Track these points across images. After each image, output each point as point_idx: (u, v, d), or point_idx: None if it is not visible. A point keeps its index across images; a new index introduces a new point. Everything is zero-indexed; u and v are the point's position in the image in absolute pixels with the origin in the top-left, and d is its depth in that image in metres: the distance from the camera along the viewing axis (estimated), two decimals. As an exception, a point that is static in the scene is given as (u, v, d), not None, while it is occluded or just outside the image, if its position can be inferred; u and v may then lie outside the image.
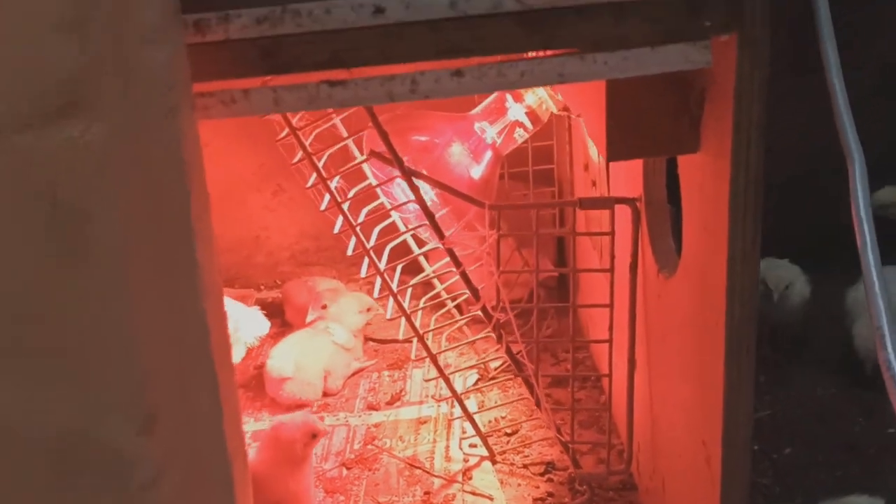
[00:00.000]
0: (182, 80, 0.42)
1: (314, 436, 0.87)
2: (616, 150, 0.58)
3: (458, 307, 1.07)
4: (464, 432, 1.05)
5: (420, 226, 0.91)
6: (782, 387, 1.25)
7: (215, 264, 0.46)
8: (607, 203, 0.78)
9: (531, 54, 0.48)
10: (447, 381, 0.97)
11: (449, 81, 0.48)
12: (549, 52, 0.47)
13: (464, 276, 0.87)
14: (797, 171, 1.21)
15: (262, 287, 1.50)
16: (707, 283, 0.60)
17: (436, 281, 1.12)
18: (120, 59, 0.39)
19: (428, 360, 0.97)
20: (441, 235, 0.87)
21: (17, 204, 0.38)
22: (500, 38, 0.47)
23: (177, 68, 0.41)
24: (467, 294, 0.92)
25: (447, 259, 0.91)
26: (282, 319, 1.37)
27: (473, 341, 1.12)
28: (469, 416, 0.99)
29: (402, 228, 1.06)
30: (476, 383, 1.13)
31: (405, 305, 0.95)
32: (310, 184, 0.95)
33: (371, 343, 1.29)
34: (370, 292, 1.10)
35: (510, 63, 0.47)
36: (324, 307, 1.20)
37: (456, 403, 1.01)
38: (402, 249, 1.04)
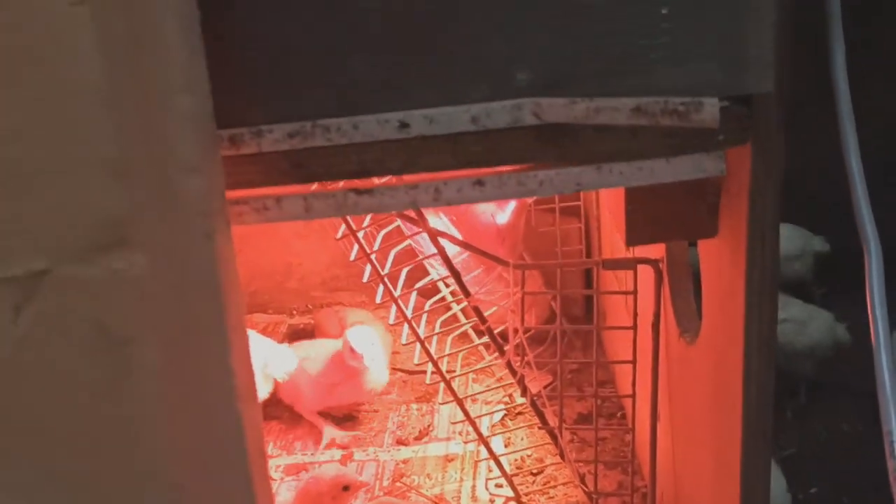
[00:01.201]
0: (219, 205, 0.44)
1: (346, 488, 0.89)
2: (635, 235, 0.60)
3: (474, 328, 1.10)
4: (490, 471, 1.07)
5: (445, 278, 0.93)
6: (809, 423, 1.25)
7: (250, 367, 0.49)
8: (629, 264, 0.79)
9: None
10: (473, 424, 1.00)
11: (471, 190, 0.50)
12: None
13: (489, 332, 0.89)
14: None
15: (295, 312, 1.53)
16: (724, 365, 0.61)
17: (452, 304, 1.14)
18: (161, 191, 0.42)
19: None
20: (466, 293, 0.89)
21: (67, 329, 0.41)
22: (519, 150, 0.48)
23: (214, 195, 0.44)
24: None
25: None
26: (312, 346, 1.41)
27: (489, 366, 1.15)
28: (495, 458, 1.02)
29: (429, 269, 1.08)
30: (502, 420, 1.16)
31: (421, 331, 0.98)
32: (339, 235, 0.97)
33: (399, 374, 1.32)
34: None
35: (529, 173, 0.49)
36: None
37: (481, 443, 1.03)
38: (420, 272, 1.07)
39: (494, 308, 1.09)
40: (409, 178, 0.50)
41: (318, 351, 1.19)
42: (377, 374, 1.13)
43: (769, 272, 0.53)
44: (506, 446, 1.11)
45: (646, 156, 0.49)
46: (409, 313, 0.97)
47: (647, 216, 0.59)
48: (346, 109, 0.48)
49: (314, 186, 0.51)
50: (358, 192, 0.50)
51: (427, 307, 1.02)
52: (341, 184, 0.50)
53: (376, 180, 0.50)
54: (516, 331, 0.83)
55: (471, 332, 1.16)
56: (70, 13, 0.37)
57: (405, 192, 0.50)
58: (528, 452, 1.10)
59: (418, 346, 1.00)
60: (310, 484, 0.91)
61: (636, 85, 0.47)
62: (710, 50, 0.47)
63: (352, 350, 1.09)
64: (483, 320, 0.90)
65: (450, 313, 1.15)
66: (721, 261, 0.60)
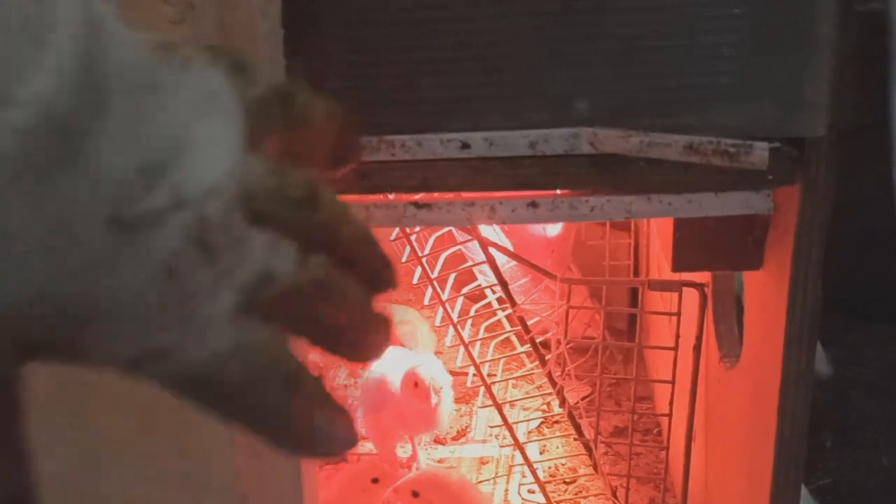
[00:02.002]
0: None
1: (375, 480, 0.92)
2: (681, 262, 0.62)
3: (516, 336, 1.11)
4: (523, 476, 1.09)
5: (492, 285, 0.95)
6: (848, 454, 1.24)
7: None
8: (675, 287, 0.81)
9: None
10: (511, 430, 1.02)
11: (524, 211, 0.52)
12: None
13: (532, 343, 0.92)
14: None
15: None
16: (761, 393, 0.63)
17: (498, 310, 1.16)
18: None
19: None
20: (513, 302, 0.91)
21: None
22: (573, 176, 0.51)
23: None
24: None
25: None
26: (359, 341, 1.44)
27: (529, 374, 1.16)
28: (529, 465, 1.04)
29: (477, 275, 1.11)
30: (539, 427, 1.18)
31: (465, 335, 1.00)
32: (393, 237, 1.01)
33: (442, 374, 1.35)
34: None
35: (581, 198, 0.52)
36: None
37: (517, 449, 1.05)
38: (467, 277, 1.09)
39: (537, 318, 1.11)
40: (466, 195, 0.53)
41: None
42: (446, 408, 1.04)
43: (810, 309, 0.54)
44: (541, 453, 1.13)
45: (695, 189, 0.50)
46: (455, 317, 1.00)
47: (694, 244, 0.61)
48: (411, 127, 0.51)
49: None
50: (417, 205, 0.52)
51: (473, 312, 1.05)
52: (392, 195, 0.53)
53: (435, 195, 0.53)
54: (559, 342, 0.85)
55: (513, 338, 1.19)
56: (170, 31, 0.41)
57: (462, 209, 0.52)
58: (563, 461, 1.12)
59: (461, 349, 1.03)
60: (342, 474, 0.94)
61: (691, 121, 0.49)
62: (767, 91, 0.49)
63: (416, 385, 0.98)
64: (527, 330, 0.92)
65: (494, 319, 1.17)
66: (764, 292, 0.61)
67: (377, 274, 0.32)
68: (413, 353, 1.17)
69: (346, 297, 0.31)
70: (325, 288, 0.30)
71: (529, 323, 0.99)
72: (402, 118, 0.51)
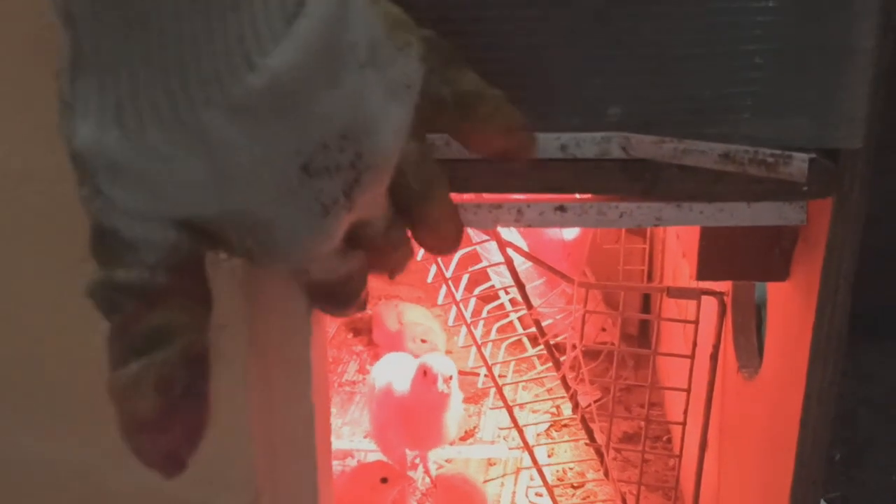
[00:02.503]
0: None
1: (384, 480, 0.91)
2: (706, 271, 0.61)
3: (528, 338, 1.11)
4: (531, 479, 1.09)
5: (507, 287, 0.95)
6: (858, 468, 1.24)
7: (325, 362, 0.51)
8: (694, 294, 0.80)
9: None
10: (521, 432, 1.01)
11: (552, 215, 0.51)
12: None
13: (547, 346, 0.91)
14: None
15: (353, 301, 1.57)
16: (781, 408, 0.62)
17: (511, 312, 1.15)
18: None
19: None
20: (529, 305, 0.91)
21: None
22: (604, 181, 0.50)
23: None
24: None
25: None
26: (368, 338, 1.44)
27: (539, 377, 1.15)
28: (538, 468, 1.03)
29: (492, 276, 1.10)
30: (548, 430, 1.17)
31: (478, 335, 0.99)
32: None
33: (451, 373, 1.34)
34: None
35: (611, 203, 0.51)
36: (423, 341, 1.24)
37: (525, 451, 1.05)
38: (481, 277, 1.08)
39: (551, 320, 1.11)
40: (493, 196, 0.52)
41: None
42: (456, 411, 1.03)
43: (838, 325, 0.54)
44: (549, 457, 1.13)
45: (727, 198, 0.50)
46: (468, 317, 0.99)
47: (720, 254, 0.60)
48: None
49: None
50: (443, 205, 0.52)
51: (485, 313, 1.04)
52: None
53: (462, 196, 0.52)
54: (573, 346, 0.84)
55: (525, 340, 1.18)
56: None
57: (489, 211, 0.52)
58: (571, 465, 1.11)
59: (473, 349, 1.02)
60: (350, 473, 0.94)
61: (725, 131, 0.48)
62: (802, 102, 0.48)
63: (425, 373, 0.96)
64: (542, 333, 0.92)
65: (507, 320, 1.17)
66: (790, 305, 0.60)
67: (437, 251, 0.44)
68: (421, 353, 1.17)
69: (399, 249, 0.42)
70: (393, 249, 0.42)
71: (545, 324, 0.99)
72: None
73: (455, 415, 1.03)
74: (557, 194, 0.51)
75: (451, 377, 0.98)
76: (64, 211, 0.39)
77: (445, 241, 0.43)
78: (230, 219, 0.35)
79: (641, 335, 1.32)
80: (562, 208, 0.51)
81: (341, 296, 0.42)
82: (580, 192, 0.51)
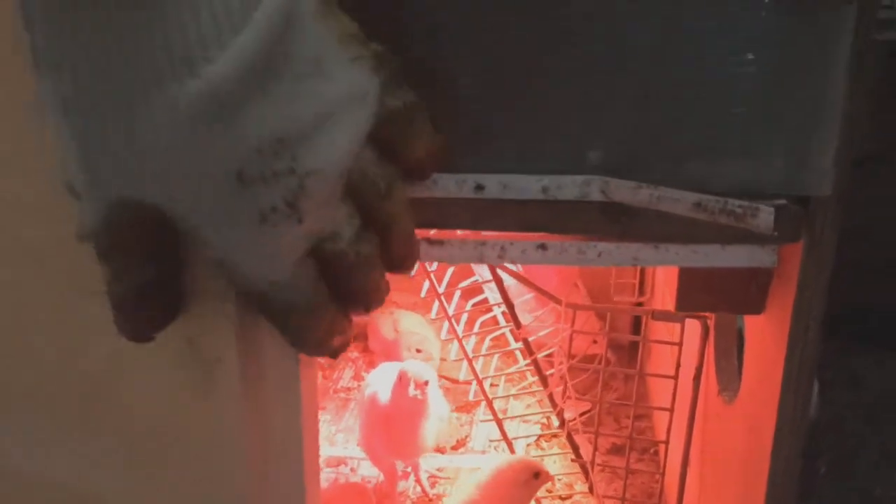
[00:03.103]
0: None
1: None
2: (684, 303, 0.63)
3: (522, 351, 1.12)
4: (520, 489, 1.11)
5: (497, 304, 0.97)
6: (841, 482, 1.25)
7: (315, 386, 0.53)
8: (678, 318, 0.82)
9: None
10: (510, 445, 1.04)
11: (534, 252, 0.53)
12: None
13: (535, 364, 0.93)
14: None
15: (349, 307, 1.59)
16: (756, 433, 0.64)
17: (500, 318, 1.17)
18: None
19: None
20: (518, 324, 0.93)
21: (163, 344, 0.46)
22: (583, 222, 0.52)
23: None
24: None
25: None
26: (364, 344, 1.46)
27: (531, 385, 1.17)
28: (527, 480, 1.05)
29: (484, 289, 1.12)
30: (537, 441, 1.19)
31: (469, 348, 1.02)
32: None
33: (444, 382, 1.36)
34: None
35: (590, 243, 0.53)
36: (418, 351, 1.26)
37: (516, 462, 1.07)
38: (476, 290, 1.10)
39: (541, 333, 1.13)
40: (478, 234, 0.54)
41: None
42: (438, 419, 1.04)
43: (808, 360, 0.56)
44: (538, 467, 1.15)
45: (702, 240, 0.52)
46: (460, 331, 1.01)
47: (698, 287, 0.62)
48: (427, 166, 0.52)
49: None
50: (430, 242, 0.54)
51: (477, 327, 1.06)
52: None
53: (448, 233, 0.55)
54: (561, 363, 0.86)
55: (518, 352, 1.20)
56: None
57: (473, 248, 0.54)
58: (559, 476, 1.13)
59: (465, 362, 1.05)
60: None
61: (701, 173, 0.50)
62: (775, 150, 0.50)
63: (401, 380, 0.98)
64: (531, 352, 0.94)
65: (498, 332, 1.19)
66: (764, 336, 0.62)
67: (402, 260, 0.44)
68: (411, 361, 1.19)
69: (374, 272, 0.42)
70: (363, 261, 0.41)
71: (533, 339, 1.01)
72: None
73: (435, 423, 1.04)
74: (539, 233, 0.53)
75: (425, 382, 0.99)
76: (60, 225, 0.41)
77: (408, 244, 0.44)
78: (172, 217, 0.36)
79: (632, 347, 1.34)
80: (543, 246, 0.53)
81: (311, 328, 0.41)
82: (561, 232, 0.53)
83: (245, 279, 0.39)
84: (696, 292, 0.63)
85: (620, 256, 0.53)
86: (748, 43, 0.48)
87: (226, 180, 0.35)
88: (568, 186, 0.51)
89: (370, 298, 0.43)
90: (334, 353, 0.43)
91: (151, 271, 0.39)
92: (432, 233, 0.54)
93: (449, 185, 0.52)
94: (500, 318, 1.14)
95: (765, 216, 0.45)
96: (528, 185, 0.52)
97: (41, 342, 0.48)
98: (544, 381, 0.95)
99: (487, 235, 0.54)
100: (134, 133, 0.34)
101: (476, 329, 1.08)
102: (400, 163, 0.43)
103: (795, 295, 0.54)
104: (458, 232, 0.55)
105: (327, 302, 0.41)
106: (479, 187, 0.52)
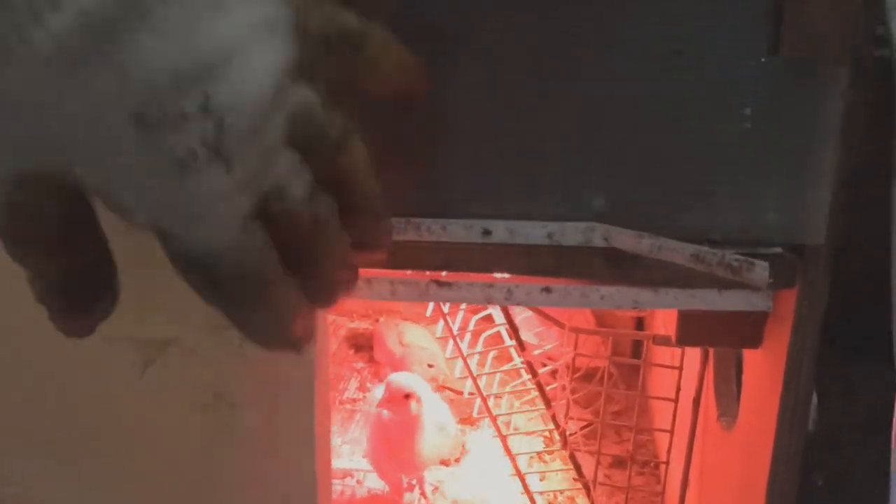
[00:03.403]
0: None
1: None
2: (685, 338, 0.65)
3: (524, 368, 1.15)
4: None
5: (501, 325, 0.99)
6: (838, 495, 1.27)
7: (328, 429, 0.56)
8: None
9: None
10: (513, 461, 1.06)
11: (538, 295, 0.56)
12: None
13: (539, 386, 0.95)
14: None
15: (355, 317, 1.61)
16: (753, 461, 0.66)
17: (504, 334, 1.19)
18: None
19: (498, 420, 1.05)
20: (522, 347, 0.95)
21: (185, 389, 0.48)
22: (586, 267, 0.54)
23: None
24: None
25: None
26: (370, 354, 1.48)
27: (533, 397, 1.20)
28: (529, 495, 1.08)
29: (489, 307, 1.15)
30: (540, 454, 1.22)
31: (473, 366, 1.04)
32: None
33: (447, 392, 1.39)
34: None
35: (593, 287, 0.55)
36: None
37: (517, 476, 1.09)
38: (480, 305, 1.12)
39: (546, 347, 1.15)
40: (485, 276, 0.56)
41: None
42: (438, 431, 1.06)
43: (802, 396, 0.58)
44: (541, 480, 1.17)
45: (700, 285, 0.54)
46: (465, 349, 1.04)
47: (698, 323, 0.64)
48: (437, 212, 0.55)
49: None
50: (439, 283, 0.56)
51: (480, 346, 1.08)
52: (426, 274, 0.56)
53: (456, 275, 0.57)
54: (564, 388, 0.88)
55: (520, 366, 1.22)
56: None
57: (481, 290, 0.56)
58: (561, 489, 1.15)
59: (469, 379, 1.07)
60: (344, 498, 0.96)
61: (700, 222, 0.52)
62: (771, 201, 0.52)
63: (388, 392, 0.99)
64: (534, 373, 0.96)
65: (501, 346, 1.21)
66: (761, 369, 0.65)
67: (372, 233, 0.37)
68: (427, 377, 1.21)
69: (335, 242, 0.34)
70: (321, 227, 0.34)
71: (537, 353, 1.03)
72: (428, 203, 0.55)
73: (435, 436, 1.05)
74: (543, 277, 0.55)
75: (408, 395, 1.01)
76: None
77: (373, 211, 0.37)
78: (80, 185, 0.31)
79: (635, 355, 1.36)
80: (547, 289, 0.56)
81: (266, 308, 0.34)
82: (564, 276, 0.55)
83: (182, 248, 0.33)
84: (695, 329, 0.65)
85: (621, 299, 0.55)
86: (746, 98, 0.50)
87: (124, 126, 0.30)
88: (572, 232, 0.53)
89: (334, 281, 0.35)
90: (297, 346, 0.35)
91: (72, 259, 0.33)
92: (444, 275, 0.56)
93: (457, 230, 0.55)
94: (504, 334, 1.16)
95: (760, 271, 0.47)
96: (533, 231, 0.54)
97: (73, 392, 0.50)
98: (547, 401, 0.98)
99: (495, 278, 0.56)
100: (10, 93, 0.29)
101: (480, 347, 1.10)
102: (375, 92, 0.37)
103: (791, 334, 0.56)
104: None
105: (283, 276, 0.33)
106: (487, 232, 0.54)
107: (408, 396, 1.00)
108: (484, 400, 1.04)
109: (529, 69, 0.51)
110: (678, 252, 0.49)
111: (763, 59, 0.49)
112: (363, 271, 0.58)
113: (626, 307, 0.55)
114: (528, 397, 1.23)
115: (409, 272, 0.57)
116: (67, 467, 0.53)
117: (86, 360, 0.49)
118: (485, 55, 0.51)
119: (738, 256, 0.48)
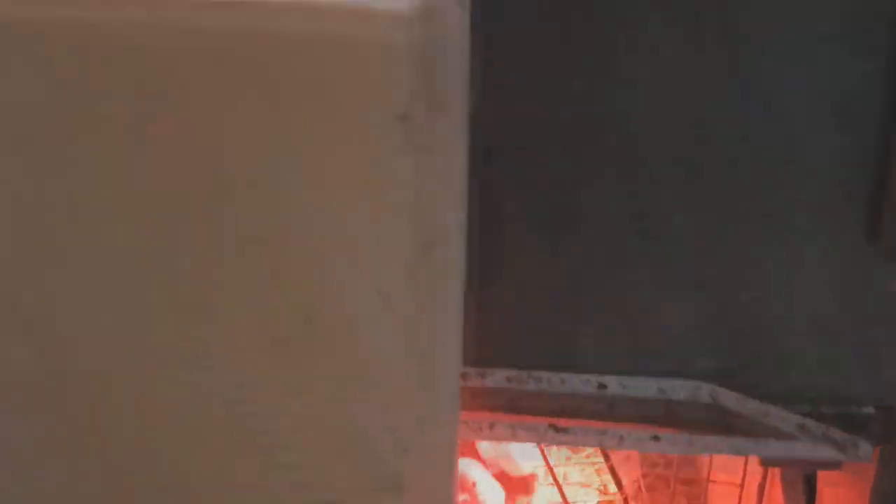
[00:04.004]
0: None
1: None
2: (769, 461, 0.71)
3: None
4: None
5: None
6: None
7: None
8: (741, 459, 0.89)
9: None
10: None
11: (648, 442, 0.61)
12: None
13: (611, 470, 1.00)
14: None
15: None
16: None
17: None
18: (426, 436, 0.54)
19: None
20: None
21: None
22: (692, 419, 0.60)
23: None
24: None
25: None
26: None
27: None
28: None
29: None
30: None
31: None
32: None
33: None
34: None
35: (699, 436, 0.61)
36: None
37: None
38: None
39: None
40: (600, 423, 0.62)
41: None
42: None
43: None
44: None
45: (798, 439, 0.60)
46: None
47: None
48: (555, 366, 0.61)
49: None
50: (556, 428, 0.62)
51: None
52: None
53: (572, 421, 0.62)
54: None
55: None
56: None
57: (594, 435, 0.62)
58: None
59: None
60: None
61: (794, 386, 0.58)
62: (860, 367, 0.58)
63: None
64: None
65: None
66: (838, 489, 0.70)
67: None
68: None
69: None
70: None
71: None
72: (548, 358, 0.61)
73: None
74: (652, 426, 0.61)
75: (473, 483, 1.05)
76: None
77: None
78: None
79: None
80: (656, 437, 0.61)
81: None
82: (672, 426, 0.61)
83: None
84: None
85: (724, 447, 0.60)
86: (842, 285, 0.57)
87: None
88: (680, 388, 0.59)
89: None
90: None
91: None
92: (561, 423, 0.62)
93: (574, 384, 0.61)
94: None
95: (865, 449, 0.53)
96: (645, 386, 0.60)
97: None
98: (619, 484, 1.02)
99: (606, 424, 0.62)
100: None
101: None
102: None
103: (874, 481, 0.62)
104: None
105: None
106: (602, 386, 0.60)
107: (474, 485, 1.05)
108: (551, 470, 1.09)
109: (639, 251, 0.58)
110: (784, 420, 0.55)
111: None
112: (485, 415, 0.64)
113: (726, 453, 0.61)
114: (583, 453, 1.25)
115: (528, 417, 0.63)
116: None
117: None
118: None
119: (842, 434, 0.54)
